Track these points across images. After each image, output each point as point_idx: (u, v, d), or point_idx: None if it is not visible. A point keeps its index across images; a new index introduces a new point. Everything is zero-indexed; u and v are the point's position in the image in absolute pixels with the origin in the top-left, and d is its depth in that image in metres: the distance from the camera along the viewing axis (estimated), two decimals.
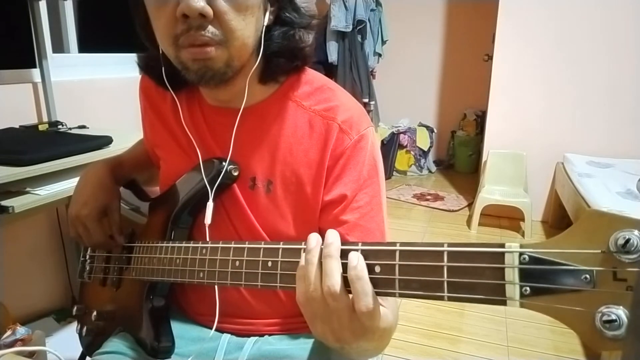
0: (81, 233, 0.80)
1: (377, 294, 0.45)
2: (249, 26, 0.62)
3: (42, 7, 1.71)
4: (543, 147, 3.01)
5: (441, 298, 0.41)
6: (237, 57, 0.63)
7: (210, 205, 0.70)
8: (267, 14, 0.65)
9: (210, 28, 0.59)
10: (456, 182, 4.04)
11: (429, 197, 3.62)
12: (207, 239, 0.69)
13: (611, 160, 2.75)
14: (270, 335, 0.78)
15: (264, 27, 0.65)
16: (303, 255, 0.48)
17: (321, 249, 0.47)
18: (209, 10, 0.57)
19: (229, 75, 0.64)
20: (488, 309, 2.06)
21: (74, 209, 0.80)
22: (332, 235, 0.47)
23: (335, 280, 0.45)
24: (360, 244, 0.47)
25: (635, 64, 2.76)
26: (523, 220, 2.87)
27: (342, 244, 0.47)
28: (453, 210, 3.34)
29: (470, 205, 3.36)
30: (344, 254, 0.46)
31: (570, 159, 2.80)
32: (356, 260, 0.45)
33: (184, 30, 0.59)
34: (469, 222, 3.07)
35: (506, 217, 3.09)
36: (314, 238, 0.48)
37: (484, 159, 3.19)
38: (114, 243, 0.80)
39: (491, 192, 2.97)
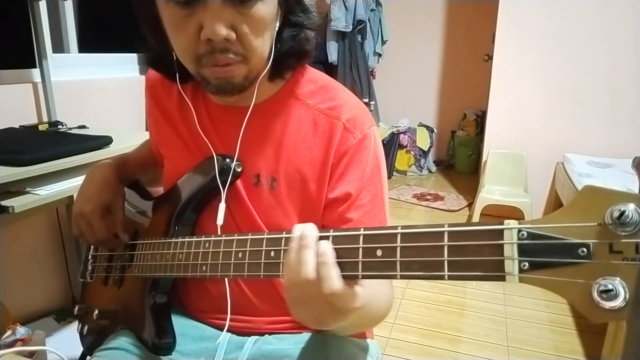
0: (84, 230, 0.80)
1: (378, 277, 0.46)
2: (266, 41, 0.64)
3: (42, 7, 1.72)
4: (543, 147, 3.01)
5: (441, 277, 0.42)
6: (255, 70, 0.65)
7: (222, 206, 0.71)
8: (278, 17, 0.65)
9: (233, 48, 0.60)
10: (456, 182, 4.05)
11: (429, 197, 3.62)
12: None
13: (611, 160, 2.75)
14: (270, 334, 0.78)
15: (276, 32, 0.66)
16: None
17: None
18: (233, 36, 0.59)
19: (245, 87, 0.66)
20: (488, 309, 2.06)
21: (77, 205, 0.80)
22: (309, 228, 0.50)
23: (310, 269, 0.48)
24: (362, 229, 0.48)
25: (635, 63, 2.76)
26: (523, 220, 2.87)
27: (323, 230, 0.50)
28: (453, 210, 3.34)
29: (470, 205, 3.36)
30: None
31: (570, 159, 2.80)
32: (323, 247, 0.48)
33: (207, 51, 0.60)
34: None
35: (506, 217, 3.02)
36: (298, 228, 0.51)
37: (484, 159, 3.19)
38: (116, 241, 0.80)
39: (491, 192, 2.97)
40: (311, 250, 0.49)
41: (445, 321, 1.99)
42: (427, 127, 4.36)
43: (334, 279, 0.47)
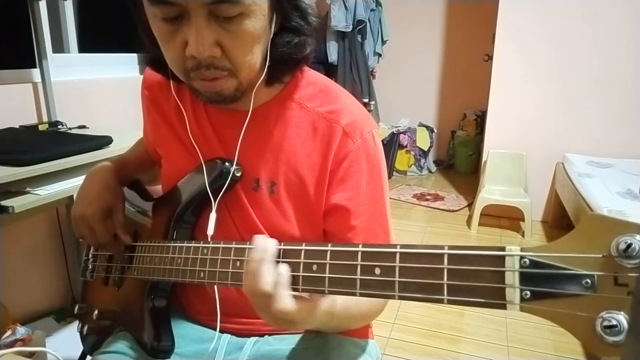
0: (85, 233, 0.79)
1: (375, 296, 0.46)
2: (256, 54, 0.62)
3: (42, 7, 1.71)
4: (543, 147, 3.01)
5: (441, 301, 0.41)
6: (246, 81, 0.64)
7: (213, 216, 0.70)
8: (273, 25, 0.64)
9: (220, 64, 0.60)
10: (456, 182, 4.04)
11: (429, 197, 3.62)
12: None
13: (611, 160, 2.76)
14: (270, 335, 0.78)
15: (270, 39, 0.64)
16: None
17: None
18: (217, 52, 0.59)
19: (238, 97, 0.65)
20: (488, 309, 2.06)
21: (78, 209, 0.79)
22: (270, 242, 0.53)
23: (268, 281, 0.51)
24: (360, 245, 0.48)
25: (635, 64, 2.76)
26: (523, 220, 2.87)
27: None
28: (453, 210, 3.34)
29: (470, 205, 3.36)
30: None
31: (570, 159, 2.80)
32: (281, 269, 0.52)
33: (194, 66, 0.60)
34: (469, 222, 3.07)
35: (506, 217, 3.09)
36: (261, 240, 0.54)
37: (484, 159, 3.19)
38: (117, 244, 0.80)
39: (491, 192, 2.97)
40: (271, 264, 0.52)
41: (445, 321, 1.99)
42: (427, 127, 4.36)
43: (285, 298, 0.51)
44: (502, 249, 0.39)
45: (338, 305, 0.60)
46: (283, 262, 0.53)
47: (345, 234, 0.70)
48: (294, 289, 0.52)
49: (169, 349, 0.74)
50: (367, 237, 0.70)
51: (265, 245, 0.53)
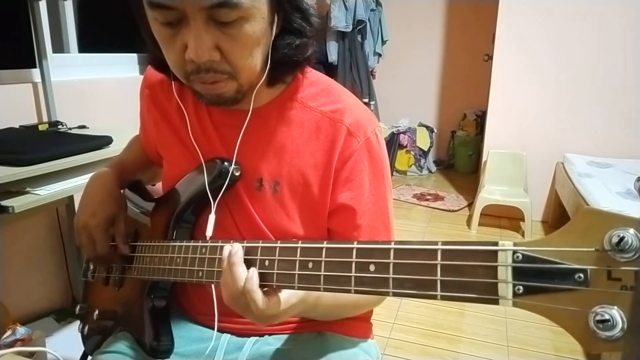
0: (84, 244, 0.78)
1: (370, 292, 0.46)
2: (256, 56, 0.62)
3: (42, 7, 1.71)
4: (543, 147, 3.01)
5: (434, 297, 0.41)
6: (247, 83, 0.64)
7: (212, 217, 0.70)
8: (274, 27, 0.63)
9: (219, 67, 0.60)
10: (456, 182, 4.04)
11: (429, 197, 3.62)
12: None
13: (611, 160, 2.75)
14: (270, 335, 0.78)
15: (272, 41, 0.64)
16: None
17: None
18: (216, 56, 0.59)
19: (239, 99, 0.65)
20: (488, 309, 2.06)
21: (81, 218, 0.78)
22: (235, 246, 0.56)
23: (242, 283, 0.54)
24: (355, 242, 0.48)
25: (635, 64, 2.76)
26: (523, 220, 2.87)
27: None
28: (453, 210, 3.34)
29: (470, 205, 3.36)
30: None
31: (570, 159, 2.80)
32: (236, 249, 0.55)
33: (193, 70, 0.60)
34: (469, 222, 3.07)
35: (506, 217, 3.09)
36: (226, 249, 0.56)
37: (484, 159, 3.19)
38: (114, 256, 0.79)
39: (491, 192, 2.97)
40: (239, 265, 0.54)
41: (445, 321, 1.99)
42: (427, 127, 4.36)
43: (256, 295, 0.53)
44: (495, 243, 0.38)
45: (316, 293, 0.60)
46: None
47: (351, 233, 0.71)
48: (287, 287, 0.53)
49: (169, 349, 0.74)
50: (370, 235, 0.71)
51: (231, 250, 0.55)
